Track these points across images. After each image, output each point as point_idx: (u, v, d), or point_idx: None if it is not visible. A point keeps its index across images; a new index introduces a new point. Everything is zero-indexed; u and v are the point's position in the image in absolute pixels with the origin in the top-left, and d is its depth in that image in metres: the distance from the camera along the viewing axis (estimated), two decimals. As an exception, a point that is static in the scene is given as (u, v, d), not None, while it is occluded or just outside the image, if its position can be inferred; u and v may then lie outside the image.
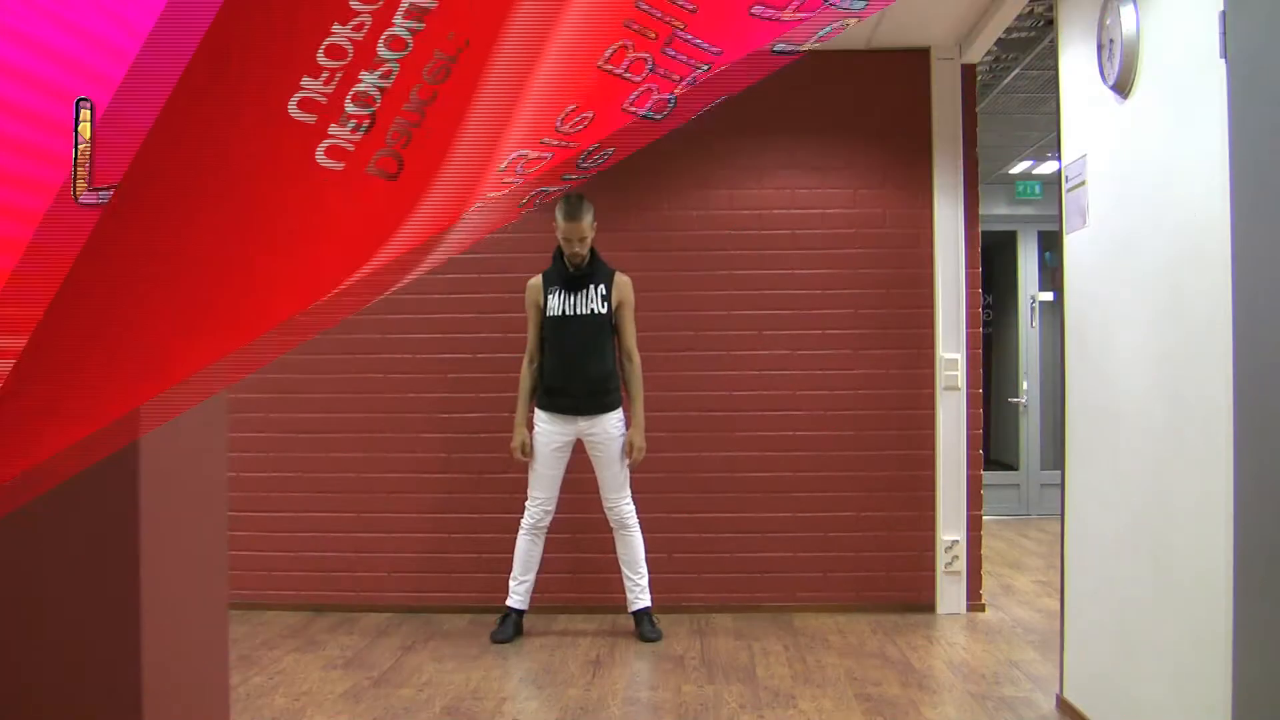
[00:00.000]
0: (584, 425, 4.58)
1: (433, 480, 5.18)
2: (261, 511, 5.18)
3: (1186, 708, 2.73)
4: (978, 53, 5.03)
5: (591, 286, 4.56)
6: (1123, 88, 3.12)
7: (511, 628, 4.64)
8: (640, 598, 4.65)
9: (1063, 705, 3.63)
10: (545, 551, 4.81)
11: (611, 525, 4.65)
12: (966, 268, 5.07)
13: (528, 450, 4.60)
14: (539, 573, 4.74)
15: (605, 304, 4.58)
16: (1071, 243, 3.64)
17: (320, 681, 4.03)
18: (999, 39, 5.03)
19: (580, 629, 4.81)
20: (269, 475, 5.20)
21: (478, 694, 3.89)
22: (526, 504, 4.65)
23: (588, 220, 4.49)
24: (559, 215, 4.49)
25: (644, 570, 4.65)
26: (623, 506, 4.60)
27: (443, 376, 5.18)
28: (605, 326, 4.58)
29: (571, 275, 4.56)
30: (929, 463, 5.08)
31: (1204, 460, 2.64)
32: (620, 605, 4.92)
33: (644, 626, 4.62)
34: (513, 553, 4.68)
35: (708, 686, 3.95)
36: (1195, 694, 2.68)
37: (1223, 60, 2.50)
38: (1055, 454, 7.24)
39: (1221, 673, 2.50)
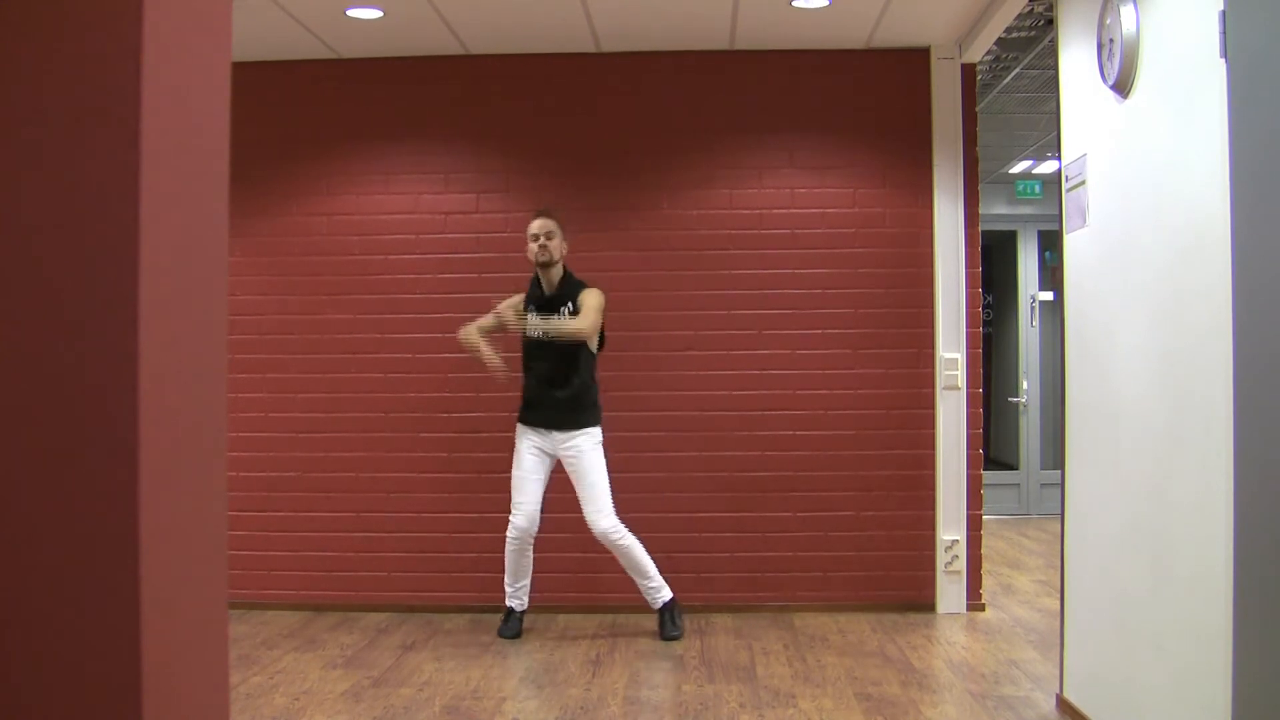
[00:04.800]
0: (559, 439, 4.59)
1: (433, 480, 5.18)
2: (261, 511, 5.18)
3: (1186, 706, 2.73)
4: (978, 52, 5.03)
5: (562, 309, 4.61)
6: (1123, 87, 3.12)
7: (518, 624, 4.66)
8: (659, 595, 4.64)
9: (1062, 704, 3.64)
10: (546, 550, 4.81)
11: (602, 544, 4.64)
12: (966, 267, 5.07)
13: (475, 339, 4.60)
14: (538, 572, 4.75)
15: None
16: (1071, 242, 3.64)
17: (320, 681, 4.03)
18: (999, 38, 5.03)
19: (580, 628, 4.81)
20: (269, 475, 5.20)
21: (478, 693, 3.89)
22: (511, 513, 4.62)
23: (554, 222, 4.59)
24: (531, 221, 4.62)
25: (652, 572, 4.63)
26: (602, 523, 4.52)
27: (443, 376, 5.18)
28: (572, 345, 4.56)
29: (546, 298, 4.63)
30: (929, 462, 5.08)
31: (1204, 460, 2.64)
32: (620, 605, 4.95)
33: (664, 625, 4.62)
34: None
35: (708, 686, 3.96)
36: (1195, 693, 2.68)
37: (1223, 60, 2.50)
38: (1055, 454, 7.24)
39: (1221, 671, 2.50)
